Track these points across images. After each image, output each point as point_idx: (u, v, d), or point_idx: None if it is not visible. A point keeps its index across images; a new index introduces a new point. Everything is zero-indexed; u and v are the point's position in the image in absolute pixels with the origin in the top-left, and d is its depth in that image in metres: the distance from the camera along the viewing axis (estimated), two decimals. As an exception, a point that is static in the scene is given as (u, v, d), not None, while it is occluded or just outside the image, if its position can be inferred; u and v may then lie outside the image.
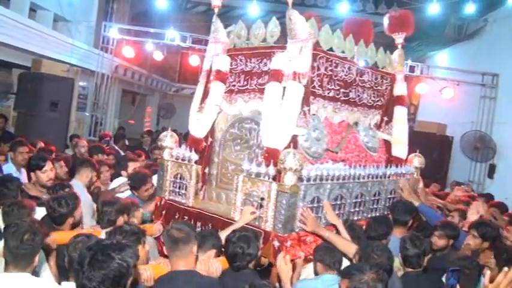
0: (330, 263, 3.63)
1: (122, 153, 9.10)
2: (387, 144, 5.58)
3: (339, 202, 4.46)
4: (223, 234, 3.84)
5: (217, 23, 4.97)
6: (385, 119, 5.56)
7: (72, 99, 10.64)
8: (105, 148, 8.00)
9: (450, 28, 12.73)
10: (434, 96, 13.33)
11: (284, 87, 4.20)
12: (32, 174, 5.44)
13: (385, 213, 5.02)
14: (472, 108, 12.46)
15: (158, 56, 14.18)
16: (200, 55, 13.94)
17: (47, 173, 5.23)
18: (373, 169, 4.80)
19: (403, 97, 5.70)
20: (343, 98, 4.87)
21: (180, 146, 4.88)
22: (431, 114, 13.53)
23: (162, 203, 4.83)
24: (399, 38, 5.74)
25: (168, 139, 4.91)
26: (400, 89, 5.66)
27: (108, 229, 3.61)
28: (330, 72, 4.65)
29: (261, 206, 4.01)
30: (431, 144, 10.86)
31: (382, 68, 5.50)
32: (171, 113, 19.12)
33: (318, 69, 4.49)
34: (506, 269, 2.36)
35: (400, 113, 5.65)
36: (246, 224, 4.00)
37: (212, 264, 3.49)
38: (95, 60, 12.78)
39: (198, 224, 4.43)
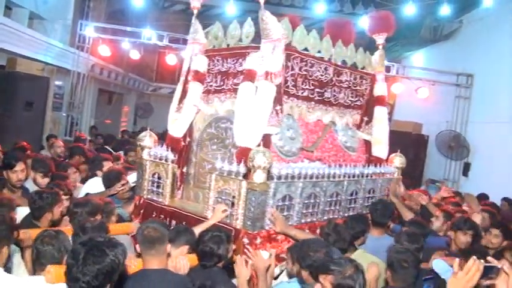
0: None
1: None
2: (367, 144, 5.69)
3: (312, 201, 4.54)
4: (195, 231, 3.91)
5: (196, 24, 5.05)
6: (365, 119, 5.67)
7: (48, 99, 10.38)
8: (85, 149, 7.97)
9: (426, 29, 12.98)
10: (410, 96, 13.60)
11: (257, 87, 4.29)
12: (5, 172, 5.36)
13: (363, 212, 5.10)
14: (447, 108, 12.73)
15: (135, 55, 14.09)
16: (177, 54, 14.00)
17: (17, 173, 5.03)
18: (349, 168, 4.87)
19: (383, 97, 5.80)
20: (317, 98, 4.96)
21: (159, 145, 4.95)
22: (407, 114, 13.81)
23: (141, 202, 4.91)
24: (380, 39, 5.81)
25: (147, 139, 4.98)
26: (380, 89, 5.74)
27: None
28: (305, 72, 4.74)
29: (233, 204, 4.10)
30: (407, 143, 11.03)
31: (362, 69, 5.58)
32: (149, 112, 19.07)
33: (292, 69, 4.59)
34: (474, 257, 2.40)
35: (380, 113, 5.74)
36: (218, 222, 4.09)
37: (180, 261, 3.52)
38: (71, 59, 12.62)
39: (173, 222, 4.50)
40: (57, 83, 12.35)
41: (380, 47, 5.82)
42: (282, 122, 4.40)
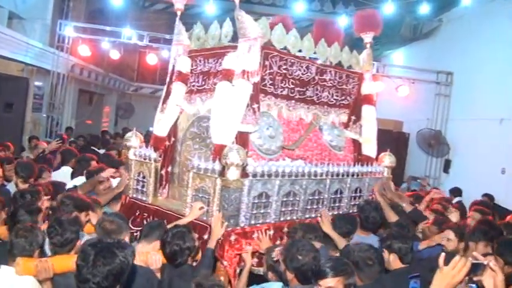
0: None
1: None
2: (356, 143, 5.72)
3: (291, 199, 4.60)
4: None
5: (179, 26, 5.17)
6: (353, 118, 5.71)
7: (28, 100, 10.52)
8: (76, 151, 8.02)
9: (406, 28, 13.17)
10: (391, 94, 13.82)
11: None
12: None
13: (350, 211, 5.16)
14: (427, 106, 12.97)
15: (115, 55, 14.05)
16: (158, 54, 14.01)
17: None
18: (331, 166, 4.91)
19: (371, 96, 5.83)
20: (298, 96, 5.03)
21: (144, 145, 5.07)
22: (388, 112, 13.97)
23: (126, 201, 5.01)
24: (367, 38, 5.84)
25: (133, 139, 5.09)
26: (368, 88, 5.77)
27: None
28: (284, 71, 4.81)
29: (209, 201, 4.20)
30: (388, 141, 11.13)
31: (348, 67, 5.61)
32: (130, 112, 19.00)
33: (270, 67, 4.65)
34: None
35: (368, 112, 5.77)
36: (195, 220, 4.19)
37: (152, 256, 3.58)
38: (51, 59, 12.51)
39: (155, 219, 4.54)
40: (36, 83, 12.30)
41: (367, 45, 5.87)
42: (259, 120, 4.46)
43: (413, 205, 5.67)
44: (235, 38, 4.59)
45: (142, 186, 4.89)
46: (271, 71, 4.68)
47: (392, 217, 5.04)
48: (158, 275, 3.57)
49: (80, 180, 5.94)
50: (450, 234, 4.64)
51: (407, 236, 4.13)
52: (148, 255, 3.61)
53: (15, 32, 11.03)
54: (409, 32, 13.32)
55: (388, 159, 5.84)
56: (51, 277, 3.24)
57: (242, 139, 4.33)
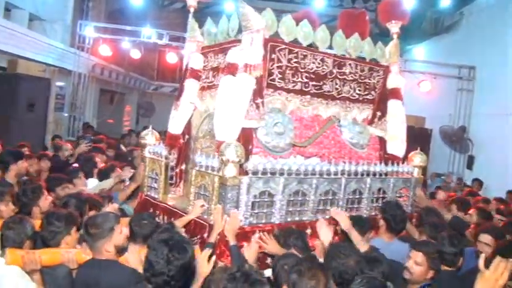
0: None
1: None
2: (382, 141, 5.32)
3: (299, 198, 4.32)
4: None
5: (192, 22, 5.09)
6: (378, 113, 5.29)
7: (50, 100, 10.49)
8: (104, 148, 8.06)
9: (427, 22, 12.97)
10: (413, 90, 13.51)
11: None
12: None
13: (373, 213, 4.83)
14: (450, 101, 12.74)
15: (135, 54, 14.18)
16: (178, 52, 14.00)
17: None
18: (347, 165, 4.61)
19: (398, 90, 5.38)
20: (314, 91, 4.76)
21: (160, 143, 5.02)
22: (410, 108, 13.59)
23: (142, 198, 4.98)
24: (394, 27, 5.42)
25: (149, 137, 5.04)
26: (394, 81, 5.35)
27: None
28: (295, 64, 4.55)
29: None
30: (411, 137, 10.99)
31: (372, 60, 5.26)
32: (151, 111, 18.97)
33: (278, 61, 4.42)
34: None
35: (395, 107, 5.33)
36: (197, 218, 4.10)
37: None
38: (72, 60, 12.69)
39: (165, 217, 4.53)
40: (58, 83, 12.31)
41: (394, 36, 5.43)
42: (265, 116, 4.28)
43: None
44: (240, 31, 4.43)
45: (155, 184, 4.85)
46: (280, 64, 4.46)
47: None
48: None
49: (93, 182, 5.93)
50: (486, 238, 4.40)
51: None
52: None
53: (36, 33, 11.23)
54: (431, 26, 13.12)
55: (418, 158, 5.41)
56: (39, 269, 3.31)
57: (246, 136, 4.17)
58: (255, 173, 4.00)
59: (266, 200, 4.13)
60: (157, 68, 20.13)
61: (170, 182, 4.89)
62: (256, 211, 4.09)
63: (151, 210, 4.69)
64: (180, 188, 4.99)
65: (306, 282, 2.70)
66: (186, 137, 4.99)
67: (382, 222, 4.49)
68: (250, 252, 3.81)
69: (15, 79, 9.23)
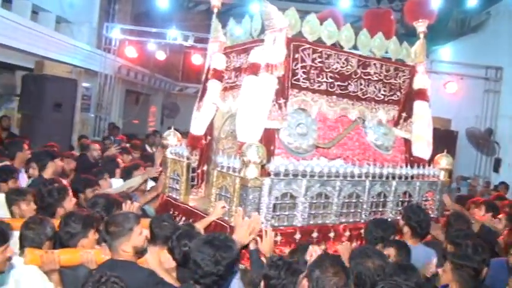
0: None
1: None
2: (407, 143, 5.17)
3: (322, 201, 4.18)
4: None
5: (215, 23, 5.04)
6: (404, 115, 5.15)
7: (76, 101, 10.55)
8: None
9: (453, 22, 12.69)
10: (438, 91, 13.29)
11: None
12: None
13: (396, 218, 4.63)
14: (476, 102, 12.46)
15: (161, 56, 14.24)
16: (203, 54, 13.92)
17: None
18: (371, 167, 4.47)
19: (424, 91, 5.21)
20: (339, 92, 4.63)
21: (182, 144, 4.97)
22: (435, 109, 13.31)
23: (163, 199, 4.92)
24: (421, 27, 5.23)
25: (171, 137, 4.97)
26: (420, 82, 5.19)
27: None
28: (320, 64, 4.45)
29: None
30: (436, 139, 10.80)
31: (397, 60, 5.13)
32: (175, 112, 19.05)
33: (302, 60, 4.32)
34: None
35: (420, 108, 5.17)
36: (217, 219, 4.01)
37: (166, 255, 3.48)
38: (98, 61, 12.81)
39: (184, 218, 4.46)
40: (85, 84, 12.39)
41: (421, 35, 5.25)
42: (287, 117, 4.18)
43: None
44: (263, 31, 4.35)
45: (177, 185, 4.78)
46: (304, 64, 4.35)
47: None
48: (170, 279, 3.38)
49: (116, 182, 5.91)
50: None
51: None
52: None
53: (63, 35, 11.37)
54: (457, 26, 12.84)
55: (444, 160, 5.24)
56: (58, 269, 3.29)
57: (268, 136, 4.08)
58: (276, 174, 3.90)
59: (288, 202, 4.02)
60: (182, 69, 20.21)
61: (192, 183, 4.82)
62: (277, 213, 3.99)
63: (171, 211, 4.63)
64: (202, 189, 4.93)
65: (330, 279, 2.62)
66: (208, 138, 4.94)
67: (406, 229, 4.32)
68: (265, 243, 3.73)
69: (42, 80, 9.27)
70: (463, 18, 12.71)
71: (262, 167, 3.85)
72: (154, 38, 13.58)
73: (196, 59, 14.42)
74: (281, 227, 3.99)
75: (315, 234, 4.14)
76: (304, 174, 4.03)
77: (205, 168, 4.93)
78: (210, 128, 4.95)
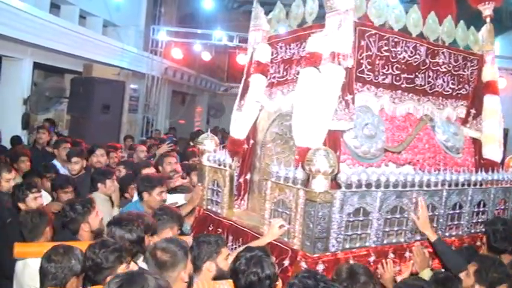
0: None
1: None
2: (477, 144, 4.22)
3: (398, 216, 3.30)
4: None
5: (257, 9, 4.10)
6: (473, 111, 4.21)
7: (124, 102, 10.31)
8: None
9: (504, 14, 11.47)
10: (488, 86, 12.03)
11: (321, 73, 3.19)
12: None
13: (471, 231, 3.78)
14: (528, 98, 11.10)
15: (206, 57, 13.74)
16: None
17: None
18: (449, 174, 3.56)
19: (495, 83, 4.28)
20: (405, 85, 3.66)
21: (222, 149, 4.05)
22: (485, 105, 12.26)
23: (200, 213, 4.00)
24: (487, 10, 4.26)
25: (208, 142, 4.06)
26: (490, 73, 4.24)
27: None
28: (386, 53, 3.50)
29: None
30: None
31: (465, 48, 4.19)
32: (221, 112, 18.43)
33: (368, 49, 3.38)
34: None
35: (491, 103, 4.24)
36: (274, 241, 3.09)
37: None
38: (145, 63, 12.46)
39: (230, 237, 3.55)
40: (132, 86, 12.11)
41: (487, 19, 4.28)
42: (354, 116, 3.24)
43: None
44: (322, 16, 3.36)
45: (217, 197, 3.86)
46: (369, 53, 3.39)
47: None
48: None
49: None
50: None
51: None
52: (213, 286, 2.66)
53: (110, 39, 11.14)
54: (507, 19, 11.52)
55: None
56: None
57: (333, 140, 3.14)
58: (348, 186, 2.99)
59: (361, 219, 3.12)
60: (228, 70, 19.46)
61: (233, 194, 3.87)
62: (349, 233, 3.09)
63: (211, 228, 3.71)
64: (244, 201, 3.96)
65: None
66: (251, 141, 3.95)
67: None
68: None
69: (90, 82, 9.04)
70: (509, 11, 11.40)
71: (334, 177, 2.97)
72: (200, 39, 13.08)
73: (241, 59, 13.74)
74: (354, 250, 3.14)
75: (391, 255, 3.25)
76: (378, 185, 3.12)
77: (248, 176, 3.95)
78: (253, 130, 3.98)
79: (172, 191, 4.77)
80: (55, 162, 5.87)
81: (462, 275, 3.03)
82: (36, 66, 9.29)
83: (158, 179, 4.22)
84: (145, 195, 4.08)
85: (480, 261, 3.05)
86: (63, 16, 9.90)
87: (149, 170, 5.06)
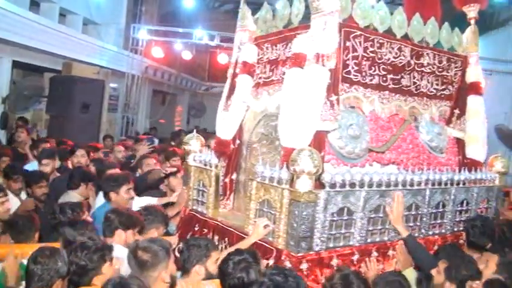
0: None
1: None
2: (460, 144, 4.29)
3: (381, 215, 3.35)
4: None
5: (243, 9, 4.06)
6: (456, 111, 4.26)
7: (103, 101, 10.19)
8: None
9: (481, 16, 11.63)
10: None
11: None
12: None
13: (454, 229, 3.88)
14: (506, 99, 11.38)
15: (187, 56, 13.75)
16: (229, 53, 13.28)
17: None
18: (432, 173, 3.64)
19: (478, 84, 4.32)
20: (392, 86, 3.71)
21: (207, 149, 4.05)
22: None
23: (186, 213, 3.97)
24: (471, 12, 4.43)
25: (194, 142, 4.02)
26: (473, 74, 4.30)
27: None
28: (372, 54, 3.53)
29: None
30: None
31: (449, 49, 4.27)
32: (202, 112, 18.42)
33: (354, 50, 3.41)
34: None
35: (475, 103, 4.28)
36: (259, 240, 3.11)
37: None
38: (125, 62, 12.42)
39: (216, 237, 3.54)
40: (112, 85, 11.98)
41: (472, 21, 4.43)
42: (339, 116, 3.25)
43: None
44: (308, 17, 3.37)
45: (203, 197, 3.84)
46: (356, 54, 3.42)
47: None
48: None
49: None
50: None
51: None
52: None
53: (90, 37, 11.11)
54: (485, 21, 11.72)
55: (500, 163, 4.35)
56: None
57: (317, 140, 3.15)
58: (332, 185, 3.03)
59: (345, 218, 3.16)
60: (209, 69, 19.41)
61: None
62: (333, 232, 3.13)
63: (197, 228, 3.69)
64: (230, 200, 3.95)
65: None
66: (237, 142, 3.94)
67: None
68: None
69: (70, 81, 8.97)
70: (491, 13, 11.68)
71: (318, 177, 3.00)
72: (181, 38, 13.10)
73: (222, 59, 13.84)
74: (337, 249, 3.18)
75: (374, 254, 3.30)
76: (362, 185, 3.17)
77: (234, 176, 3.94)
78: (239, 130, 3.96)
79: (142, 193, 4.71)
80: (33, 163, 5.67)
81: (433, 272, 3.10)
82: (15, 64, 9.21)
83: (123, 177, 4.16)
84: (112, 195, 3.99)
85: (449, 258, 3.14)
86: (42, 14, 9.84)
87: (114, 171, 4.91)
